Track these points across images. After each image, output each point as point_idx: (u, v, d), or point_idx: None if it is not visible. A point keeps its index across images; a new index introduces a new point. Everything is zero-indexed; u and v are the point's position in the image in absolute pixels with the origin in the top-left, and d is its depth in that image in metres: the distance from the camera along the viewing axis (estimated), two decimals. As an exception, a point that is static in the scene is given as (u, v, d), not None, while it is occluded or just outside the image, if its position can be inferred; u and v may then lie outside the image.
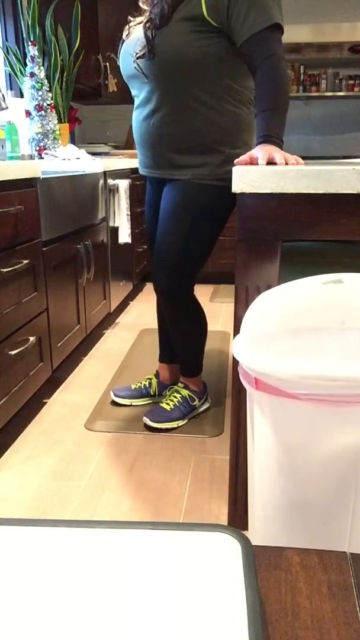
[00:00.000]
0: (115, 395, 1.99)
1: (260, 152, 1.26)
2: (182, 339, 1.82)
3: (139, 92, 1.63)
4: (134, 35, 1.59)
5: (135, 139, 1.72)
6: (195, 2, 1.43)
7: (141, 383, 2.02)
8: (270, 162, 1.22)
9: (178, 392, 1.87)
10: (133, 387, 2.01)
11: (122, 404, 1.99)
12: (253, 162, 1.24)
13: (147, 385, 2.01)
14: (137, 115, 1.66)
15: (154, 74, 1.53)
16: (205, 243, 1.67)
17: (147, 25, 1.49)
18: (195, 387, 1.89)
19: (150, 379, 2.03)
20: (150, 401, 2.00)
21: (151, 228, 1.86)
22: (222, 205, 1.63)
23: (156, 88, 1.55)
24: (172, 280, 1.70)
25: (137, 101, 1.66)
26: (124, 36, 1.65)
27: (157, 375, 2.03)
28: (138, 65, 1.54)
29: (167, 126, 1.58)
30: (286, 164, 1.22)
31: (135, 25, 1.62)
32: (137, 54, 1.53)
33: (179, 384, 1.90)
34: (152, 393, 2.00)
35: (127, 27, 1.66)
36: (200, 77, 1.51)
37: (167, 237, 1.66)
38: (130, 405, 1.99)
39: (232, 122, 1.57)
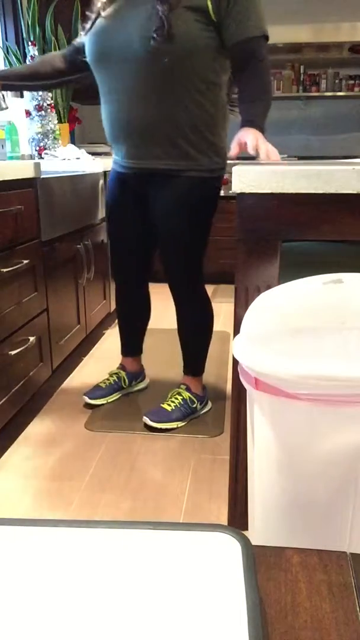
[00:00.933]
0: (90, 398, 2.00)
1: (248, 136, 1.30)
2: (194, 334, 1.88)
3: (122, 78, 1.53)
4: (124, 13, 1.50)
5: (119, 129, 1.61)
6: None
7: (109, 380, 2.06)
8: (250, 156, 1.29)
9: (180, 394, 1.88)
10: (103, 385, 2.04)
11: (98, 404, 2.00)
12: (242, 147, 1.28)
13: (117, 380, 2.06)
14: (126, 102, 1.56)
15: (163, 56, 1.46)
16: (208, 231, 1.73)
17: (162, 4, 1.43)
18: (197, 390, 1.90)
19: (116, 373, 2.08)
20: (120, 394, 2.06)
21: (126, 230, 1.82)
22: (215, 195, 1.70)
23: (157, 71, 1.49)
24: (193, 274, 1.76)
25: (118, 87, 1.55)
26: (101, 12, 1.56)
27: (122, 367, 2.09)
28: (155, 43, 1.44)
29: (166, 113, 1.54)
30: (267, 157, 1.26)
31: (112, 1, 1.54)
32: (155, 32, 1.43)
33: (181, 386, 1.91)
34: (123, 386, 2.06)
35: (100, 2, 1.57)
36: (201, 66, 1.51)
37: (178, 233, 1.69)
38: (107, 403, 2.01)
39: (221, 114, 1.62)
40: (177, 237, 1.69)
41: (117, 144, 1.66)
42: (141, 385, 2.13)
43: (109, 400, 2.02)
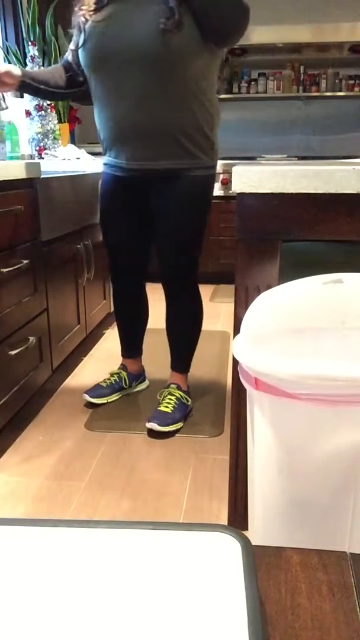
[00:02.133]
0: (91, 397, 2.00)
1: None
2: (188, 331, 1.90)
3: (126, 80, 1.52)
4: (125, 15, 1.50)
5: (124, 132, 1.60)
6: None
7: (110, 379, 2.06)
8: None
9: (172, 393, 1.89)
10: (104, 385, 2.04)
11: (98, 403, 2.01)
12: None
13: (118, 380, 2.06)
14: (131, 105, 1.55)
15: (172, 50, 1.46)
16: (205, 226, 1.77)
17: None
18: (185, 387, 1.94)
19: (117, 373, 2.08)
20: (121, 395, 2.07)
21: (124, 233, 1.83)
22: (212, 191, 1.76)
23: (164, 70, 1.49)
24: (191, 271, 1.79)
25: (122, 90, 1.54)
26: (88, 18, 1.54)
27: (123, 368, 2.09)
28: (165, 28, 1.44)
29: (172, 114, 1.55)
30: None
31: (104, 4, 1.53)
32: (167, 19, 1.43)
33: (172, 386, 1.91)
34: (124, 386, 2.07)
35: (89, 6, 1.55)
36: (202, 64, 1.55)
37: (182, 229, 1.71)
38: (107, 403, 2.02)
39: (217, 112, 1.66)
40: (181, 234, 1.72)
41: (120, 147, 1.64)
42: (142, 387, 2.14)
43: (110, 400, 2.02)
